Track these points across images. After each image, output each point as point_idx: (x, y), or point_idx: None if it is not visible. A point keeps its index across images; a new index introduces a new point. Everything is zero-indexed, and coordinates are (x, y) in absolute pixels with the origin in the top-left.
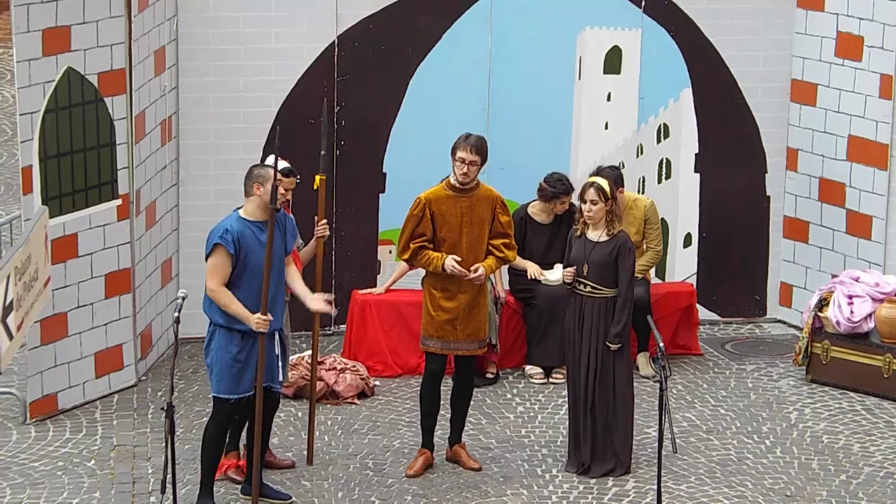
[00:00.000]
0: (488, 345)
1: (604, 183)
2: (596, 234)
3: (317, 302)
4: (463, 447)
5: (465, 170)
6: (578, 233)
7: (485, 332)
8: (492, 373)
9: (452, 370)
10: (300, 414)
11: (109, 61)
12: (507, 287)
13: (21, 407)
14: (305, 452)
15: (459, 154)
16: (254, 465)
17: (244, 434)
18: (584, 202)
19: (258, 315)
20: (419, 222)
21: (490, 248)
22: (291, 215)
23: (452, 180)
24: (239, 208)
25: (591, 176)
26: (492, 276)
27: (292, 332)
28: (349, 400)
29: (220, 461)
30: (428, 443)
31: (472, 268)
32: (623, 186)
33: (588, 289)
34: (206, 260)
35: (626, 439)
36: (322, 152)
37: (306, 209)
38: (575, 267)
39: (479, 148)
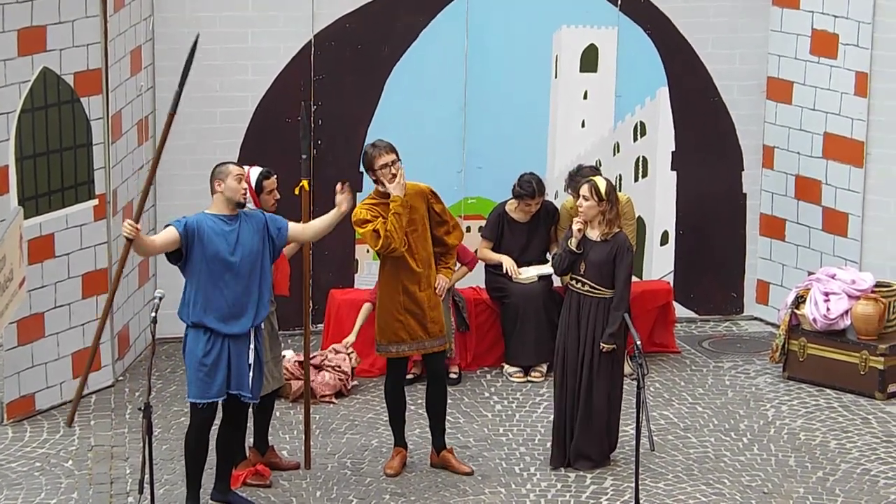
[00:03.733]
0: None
1: (601, 183)
2: (594, 234)
3: (344, 203)
4: (451, 452)
5: (393, 171)
6: (575, 245)
7: (444, 327)
8: (455, 372)
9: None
10: (278, 413)
11: (85, 61)
12: (482, 285)
13: None
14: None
15: (381, 162)
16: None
17: (249, 439)
18: (578, 197)
19: (127, 220)
20: (375, 220)
21: (437, 262)
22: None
23: (381, 189)
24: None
25: (569, 174)
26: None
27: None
28: (326, 399)
29: (203, 465)
30: (400, 441)
31: (435, 287)
32: None
33: (586, 288)
34: None
35: (605, 437)
36: (303, 156)
37: (288, 212)
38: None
39: (391, 146)
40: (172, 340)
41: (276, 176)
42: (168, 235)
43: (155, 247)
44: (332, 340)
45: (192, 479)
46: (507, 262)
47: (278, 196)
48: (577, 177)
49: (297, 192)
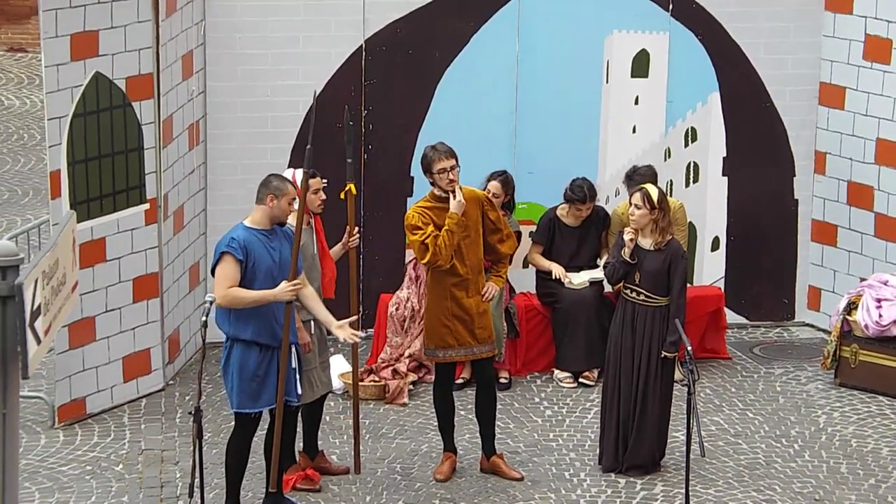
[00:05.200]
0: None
1: (653, 191)
2: (647, 243)
3: (344, 330)
4: (501, 457)
5: (450, 177)
6: (629, 255)
7: (493, 333)
8: (505, 377)
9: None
10: (327, 418)
11: (137, 66)
12: (533, 290)
13: (49, 411)
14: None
15: (440, 166)
16: (271, 475)
17: (299, 443)
18: (631, 205)
19: (283, 283)
20: (427, 227)
21: (490, 272)
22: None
23: (437, 192)
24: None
25: (626, 175)
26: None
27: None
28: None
29: (244, 472)
30: (450, 446)
31: (483, 293)
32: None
33: (641, 297)
34: (213, 271)
35: (657, 443)
36: (348, 160)
37: (334, 216)
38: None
39: (451, 151)
40: (222, 344)
41: (322, 178)
42: (238, 271)
43: (247, 290)
44: (381, 344)
45: (232, 487)
46: (557, 269)
47: (324, 197)
48: (636, 176)
49: (342, 196)
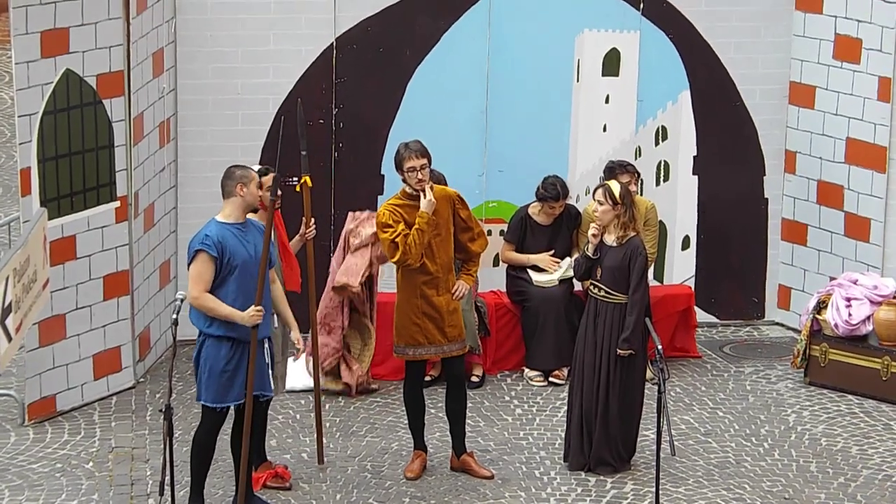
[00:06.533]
0: (470, 349)
1: (615, 187)
2: (610, 239)
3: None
4: (471, 456)
5: (419, 176)
6: (591, 251)
7: (463, 331)
8: (477, 375)
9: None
10: (298, 416)
11: (108, 63)
12: (503, 289)
13: (19, 409)
14: (303, 454)
15: (409, 164)
16: (241, 473)
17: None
18: (594, 201)
19: (251, 308)
20: (397, 225)
21: (459, 268)
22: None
23: (408, 189)
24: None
25: (606, 169)
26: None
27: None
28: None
29: (209, 468)
30: (420, 444)
31: (453, 291)
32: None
33: (602, 293)
34: (189, 268)
35: (628, 443)
36: (302, 153)
37: (297, 210)
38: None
39: (423, 150)
40: (193, 342)
41: (275, 174)
42: (212, 270)
43: (221, 303)
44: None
45: (196, 482)
46: (540, 259)
47: (279, 192)
48: (629, 166)
49: (298, 189)
